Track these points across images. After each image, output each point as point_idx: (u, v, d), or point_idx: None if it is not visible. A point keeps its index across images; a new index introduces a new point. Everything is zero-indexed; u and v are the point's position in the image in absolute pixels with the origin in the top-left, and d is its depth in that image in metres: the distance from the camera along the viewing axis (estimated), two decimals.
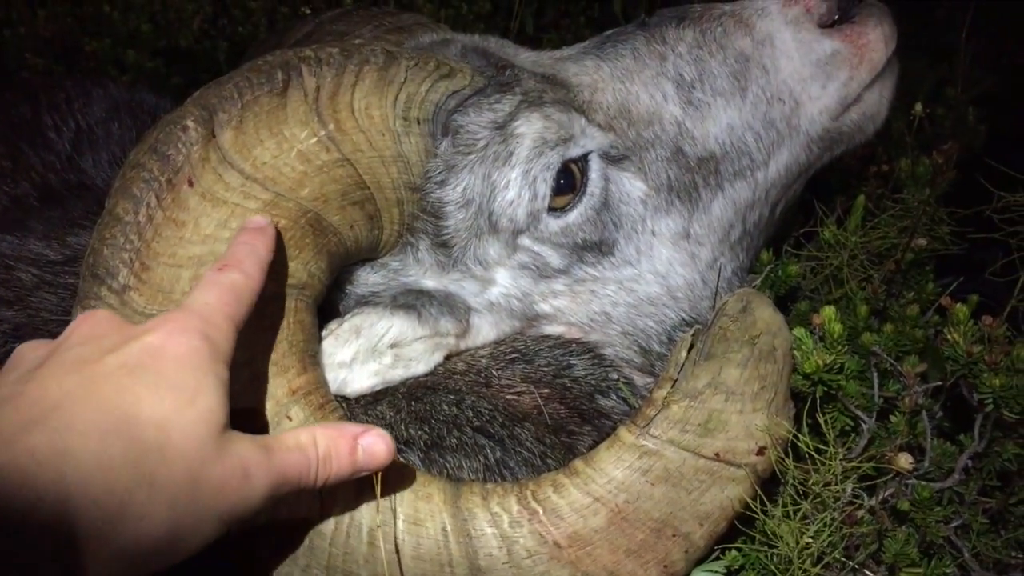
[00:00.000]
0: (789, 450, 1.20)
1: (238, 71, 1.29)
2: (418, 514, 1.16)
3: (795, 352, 1.26)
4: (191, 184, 1.18)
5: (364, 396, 1.38)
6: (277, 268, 1.19)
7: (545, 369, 1.48)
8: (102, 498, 0.83)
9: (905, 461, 1.14)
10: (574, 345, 1.52)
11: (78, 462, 0.83)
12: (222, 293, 1.03)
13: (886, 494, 1.25)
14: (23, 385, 0.90)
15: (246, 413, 1.12)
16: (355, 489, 1.14)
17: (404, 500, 1.16)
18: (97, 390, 0.89)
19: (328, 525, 1.14)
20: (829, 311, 1.28)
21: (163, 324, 0.97)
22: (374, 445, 1.06)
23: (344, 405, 1.33)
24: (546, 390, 1.45)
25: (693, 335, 1.27)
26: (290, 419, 1.16)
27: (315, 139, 1.25)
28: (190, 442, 0.90)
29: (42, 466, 0.81)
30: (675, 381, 1.22)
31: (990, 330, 1.27)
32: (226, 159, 1.20)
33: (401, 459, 1.30)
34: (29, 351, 0.99)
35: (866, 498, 1.21)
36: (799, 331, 1.29)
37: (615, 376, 1.52)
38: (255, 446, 0.97)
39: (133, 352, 0.94)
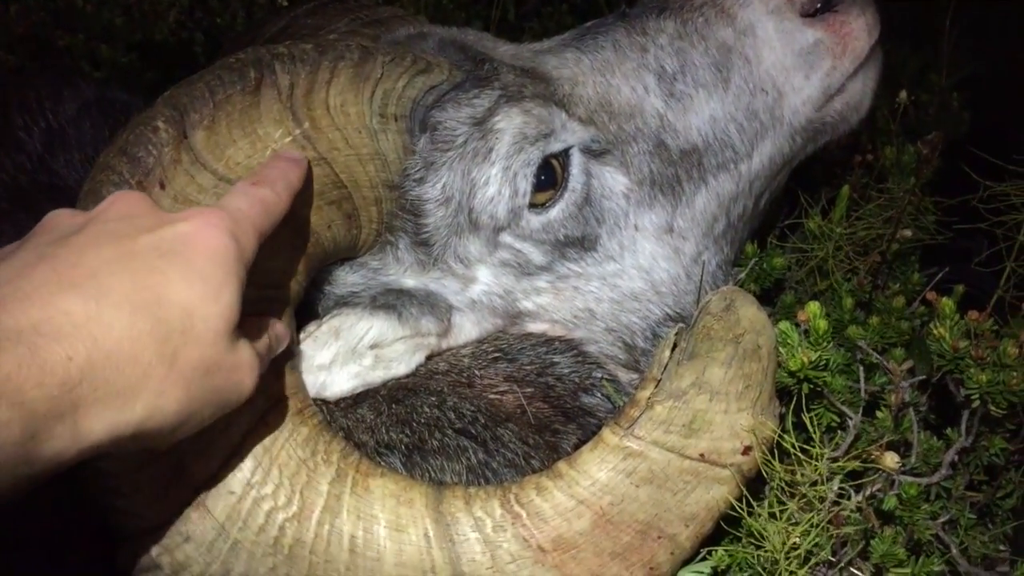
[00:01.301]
0: (775, 449, 1.19)
1: (209, 69, 1.26)
2: (400, 520, 1.14)
3: (780, 348, 1.24)
4: (163, 186, 1.15)
5: (344, 399, 1.36)
6: (256, 270, 1.16)
7: (528, 367, 1.46)
8: (127, 368, 0.87)
9: (892, 460, 1.13)
10: (557, 343, 1.50)
11: (110, 330, 0.86)
12: (253, 203, 1.07)
13: (873, 490, 1.24)
14: (60, 248, 0.93)
15: None
16: (334, 493, 1.13)
17: (386, 505, 1.15)
18: (131, 265, 0.92)
19: (308, 533, 1.12)
20: (814, 307, 1.26)
21: (197, 215, 1.00)
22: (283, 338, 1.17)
23: (323, 409, 1.31)
24: (529, 389, 1.44)
25: (676, 334, 1.26)
26: (266, 424, 1.14)
27: (290, 138, 1.23)
28: (210, 333, 0.94)
29: (76, 328, 0.84)
30: (659, 381, 1.20)
31: (976, 325, 1.25)
32: (198, 160, 1.17)
33: (383, 463, 1.28)
34: (64, 217, 1.01)
35: (853, 495, 1.20)
36: (784, 325, 1.27)
37: (599, 373, 1.50)
38: (253, 351, 1.03)
39: (167, 236, 0.96)
